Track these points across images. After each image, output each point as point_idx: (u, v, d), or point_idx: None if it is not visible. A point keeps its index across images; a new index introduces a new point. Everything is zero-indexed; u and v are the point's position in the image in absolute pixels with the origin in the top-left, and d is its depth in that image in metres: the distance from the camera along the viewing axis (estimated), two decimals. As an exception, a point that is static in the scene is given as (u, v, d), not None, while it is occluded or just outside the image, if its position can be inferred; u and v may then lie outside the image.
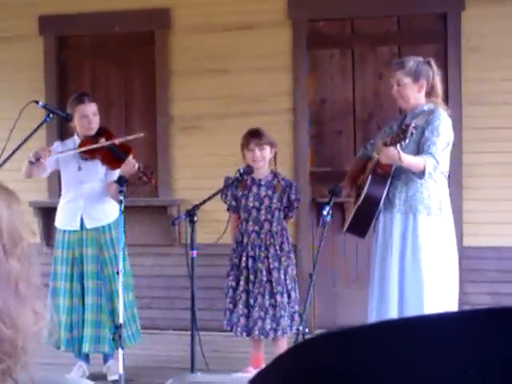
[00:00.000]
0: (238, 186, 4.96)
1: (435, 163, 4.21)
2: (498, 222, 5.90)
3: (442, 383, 0.48)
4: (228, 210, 5.04)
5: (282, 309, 4.87)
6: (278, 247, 4.91)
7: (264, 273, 4.89)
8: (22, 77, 6.63)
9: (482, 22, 5.90)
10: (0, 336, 0.72)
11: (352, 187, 4.81)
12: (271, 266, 4.89)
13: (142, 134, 5.06)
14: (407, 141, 4.06)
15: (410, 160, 4.18)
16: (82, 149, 4.92)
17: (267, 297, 4.89)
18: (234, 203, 5.01)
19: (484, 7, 5.90)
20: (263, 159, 4.91)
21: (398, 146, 4.06)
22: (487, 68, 5.88)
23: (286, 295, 4.89)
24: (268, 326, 4.88)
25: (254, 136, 4.90)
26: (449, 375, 0.48)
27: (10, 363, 0.74)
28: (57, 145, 5.20)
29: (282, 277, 4.89)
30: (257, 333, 4.89)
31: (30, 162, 4.74)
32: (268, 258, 4.89)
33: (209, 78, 6.35)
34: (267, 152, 4.92)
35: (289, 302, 4.90)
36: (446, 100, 4.61)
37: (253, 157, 4.88)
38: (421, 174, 4.21)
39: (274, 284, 4.88)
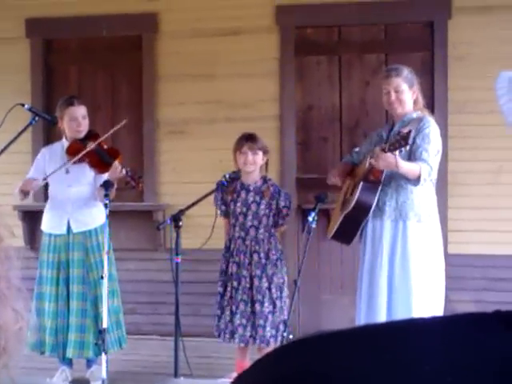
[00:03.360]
0: (227, 191, 4.95)
1: (429, 169, 4.24)
2: (483, 230, 5.92)
3: None
4: (221, 215, 5.03)
5: (261, 318, 4.81)
6: (262, 254, 4.86)
7: (247, 280, 4.87)
8: (8, 79, 6.60)
9: (468, 30, 5.94)
10: None
11: (338, 181, 4.78)
12: (253, 274, 4.86)
13: (125, 121, 5.05)
14: (408, 147, 4.09)
15: (406, 167, 4.21)
16: (71, 161, 4.87)
17: (249, 304, 4.86)
18: (223, 208, 5.00)
19: (471, 16, 5.93)
20: (254, 163, 4.89)
21: (398, 152, 4.08)
22: (473, 76, 5.90)
23: (267, 304, 4.83)
24: (248, 334, 4.84)
25: (249, 139, 4.89)
26: (426, 381, 0.48)
27: None
28: (43, 152, 5.17)
29: (265, 285, 4.84)
30: (237, 340, 4.86)
31: (22, 194, 4.78)
32: (251, 265, 4.88)
33: (196, 83, 6.34)
34: (259, 157, 4.90)
35: (273, 312, 4.83)
36: (432, 108, 4.65)
37: (245, 160, 4.86)
38: (416, 180, 4.23)
39: (254, 292, 4.86)
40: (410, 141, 4.12)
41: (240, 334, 4.84)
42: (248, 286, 4.86)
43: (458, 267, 5.62)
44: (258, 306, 4.82)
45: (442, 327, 0.51)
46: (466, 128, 5.92)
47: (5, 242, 0.77)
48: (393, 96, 4.48)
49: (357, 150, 4.86)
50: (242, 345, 4.90)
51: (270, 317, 4.83)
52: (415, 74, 4.57)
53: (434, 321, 0.53)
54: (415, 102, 4.51)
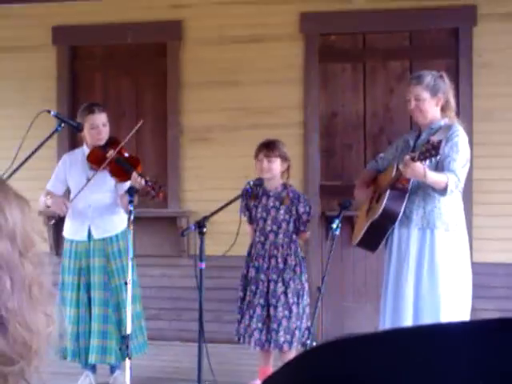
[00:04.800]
0: (251, 197, 4.96)
1: (457, 180, 4.17)
2: (508, 238, 5.87)
3: None
4: (247, 222, 5.04)
5: (275, 322, 4.79)
6: (280, 259, 4.86)
7: (265, 284, 4.87)
8: (34, 86, 6.66)
9: (493, 37, 5.91)
10: (15, 337, 0.73)
11: (364, 191, 4.76)
12: (269, 278, 4.86)
13: (141, 122, 5.09)
14: (438, 157, 4.03)
15: (433, 177, 4.13)
16: (96, 172, 4.91)
17: (265, 308, 4.86)
18: (247, 214, 5.03)
19: (495, 23, 5.90)
20: (270, 171, 4.88)
21: (428, 161, 4.03)
22: (498, 83, 5.87)
23: (281, 309, 4.81)
24: (263, 338, 4.84)
25: (265, 147, 4.89)
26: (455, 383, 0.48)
27: (23, 365, 0.75)
28: (65, 159, 5.21)
29: (281, 290, 4.82)
30: (253, 343, 4.86)
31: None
32: (269, 269, 4.88)
33: (220, 90, 6.36)
34: (276, 165, 4.89)
35: (289, 317, 4.81)
36: (457, 115, 4.59)
37: (261, 167, 4.88)
38: (443, 190, 4.16)
39: (269, 296, 4.85)
40: (441, 150, 4.06)
41: (256, 337, 4.84)
42: (265, 290, 4.86)
43: (482, 275, 5.58)
44: (272, 311, 4.82)
45: (471, 332, 0.51)
46: (492, 135, 5.88)
47: (37, 247, 0.79)
48: (412, 104, 4.43)
49: (382, 155, 4.82)
50: (258, 348, 4.90)
51: (284, 322, 4.81)
52: (448, 78, 4.46)
53: (462, 325, 0.53)
54: (444, 109, 4.41)
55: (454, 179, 4.15)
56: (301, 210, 4.91)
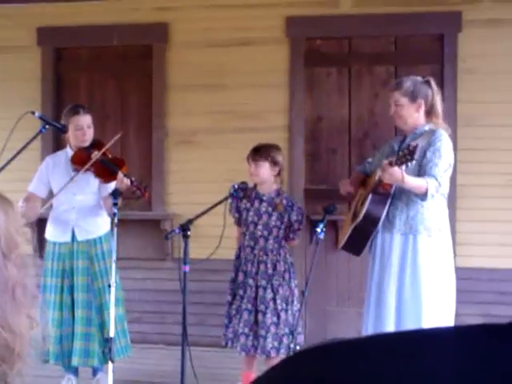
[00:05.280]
0: (244, 198, 4.94)
1: (437, 185, 4.18)
2: (491, 244, 5.90)
3: None
4: (234, 223, 5.02)
5: (263, 328, 4.77)
6: (269, 265, 4.84)
7: (253, 289, 4.85)
8: (18, 87, 6.63)
9: (478, 43, 5.94)
10: None
11: (348, 186, 4.78)
12: (258, 284, 4.84)
13: (120, 133, 5.06)
14: (414, 162, 4.04)
15: (412, 182, 4.15)
16: (80, 172, 4.87)
17: (253, 314, 4.84)
18: (237, 215, 5.00)
19: (481, 29, 5.94)
20: (257, 175, 4.87)
21: (404, 166, 4.05)
22: (483, 89, 5.90)
23: (269, 315, 4.79)
24: (250, 343, 4.82)
25: (253, 151, 4.89)
26: None
27: (5, 368, 0.74)
28: (47, 161, 5.17)
29: (269, 296, 4.81)
30: (238, 348, 4.85)
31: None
32: (258, 275, 4.87)
33: (205, 93, 6.36)
34: (264, 169, 4.86)
35: (277, 324, 4.79)
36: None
37: (249, 171, 4.88)
38: (423, 195, 4.18)
39: (258, 302, 4.84)
40: (419, 155, 4.08)
41: (242, 342, 4.82)
42: (253, 295, 4.84)
43: (466, 280, 5.60)
44: (260, 317, 4.80)
45: (456, 337, 0.51)
46: (475, 141, 5.91)
47: (21, 248, 0.78)
48: (392, 110, 4.45)
49: (370, 160, 4.84)
50: (243, 353, 4.88)
51: (272, 328, 4.79)
52: (434, 83, 4.43)
53: (447, 331, 0.53)
54: (428, 114, 4.41)
55: (434, 183, 4.17)
56: (293, 218, 4.88)
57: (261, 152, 4.86)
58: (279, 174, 4.95)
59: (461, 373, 0.48)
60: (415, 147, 3.96)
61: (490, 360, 0.48)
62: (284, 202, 4.91)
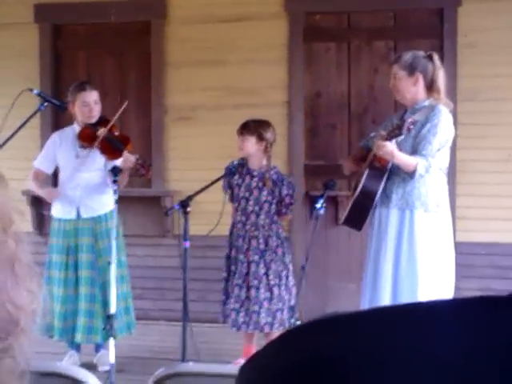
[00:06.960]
0: (234, 173, 4.94)
1: (427, 165, 4.15)
2: (491, 218, 5.91)
3: (434, 370, 0.48)
4: (228, 200, 5.02)
5: (256, 304, 4.78)
6: (261, 240, 4.83)
7: (245, 265, 4.85)
8: (16, 64, 6.60)
9: (478, 17, 5.91)
10: (1, 314, 0.73)
11: (353, 166, 4.76)
12: (250, 259, 4.83)
13: (126, 102, 5.05)
14: (403, 137, 4.03)
15: (402, 158, 4.14)
16: (93, 147, 4.90)
17: (244, 289, 4.83)
18: (229, 192, 5.00)
19: (480, 3, 5.90)
20: (242, 149, 4.86)
21: (394, 141, 4.05)
22: (483, 64, 5.88)
23: (263, 290, 4.78)
24: (241, 320, 4.82)
25: (242, 125, 4.89)
26: (439, 363, 0.48)
27: (11, 341, 0.74)
28: (55, 137, 5.15)
29: (262, 271, 4.80)
30: (230, 323, 4.86)
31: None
32: (249, 250, 4.86)
33: (204, 69, 6.33)
34: (249, 143, 4.83)
35: (270, 299, 4.79)
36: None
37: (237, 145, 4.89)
38: (411, 174, 4.18)
39: (250, 277, 4.84)
40: (417, 129, 4.08)
41: (232, 318, 4.82)
42: (245, 271, 4.83)
43: (465, 255, 5.61)
44: (253, 292, 4.79)
45: (454, 310, 0.51)
46: (476, 116, 5.90)
47: (15, 225, 0.78)
48: (391, 83, 4.45)
49: (372, 135, 4.82)
50: (234, 329, 4.89)
51: (265, 303, 4.79)
52: (437, 58, 4.38)
53: (446, 303, 0.53)
54: (429, 89, 4.37)
55: (423, 164, 4.14)
56: (284, 192, 4.87)
57: (248, 127, 4.85)
58: (266, 149, 4.91)
59: (460, 345, 0.48)
60: (403, 121, 3.96)
61: (489, 333, 0.48)
62: (274, 176, 4.89)
